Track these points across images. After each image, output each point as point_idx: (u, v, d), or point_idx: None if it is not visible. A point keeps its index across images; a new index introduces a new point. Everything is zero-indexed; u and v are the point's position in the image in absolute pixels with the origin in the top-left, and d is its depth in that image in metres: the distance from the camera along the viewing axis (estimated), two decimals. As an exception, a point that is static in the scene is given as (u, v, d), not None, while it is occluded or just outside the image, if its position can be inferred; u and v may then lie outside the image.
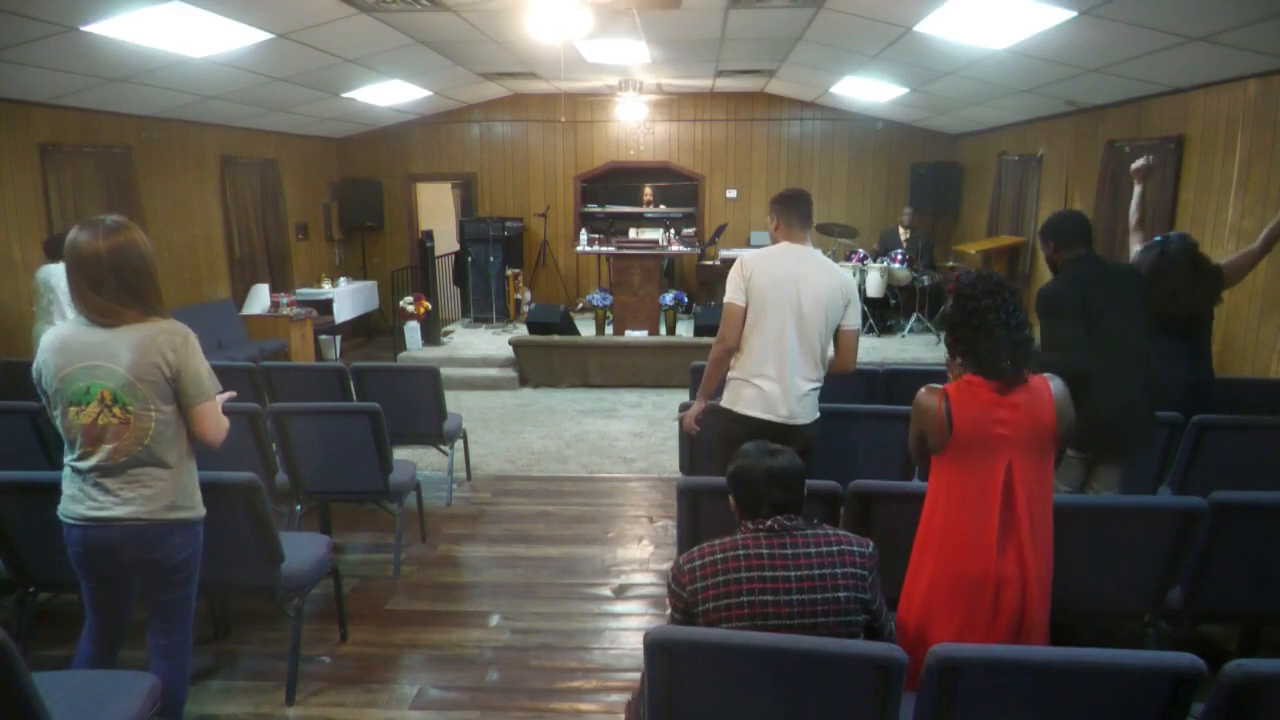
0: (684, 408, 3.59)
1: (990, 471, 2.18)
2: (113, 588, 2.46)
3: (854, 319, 3.24)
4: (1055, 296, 3.08)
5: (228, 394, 2.58)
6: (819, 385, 3.24)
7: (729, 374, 3.28)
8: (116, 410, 2.27)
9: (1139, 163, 4.12)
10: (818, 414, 3.26)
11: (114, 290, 2.25)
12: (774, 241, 3.30)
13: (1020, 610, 2.19)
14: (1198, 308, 3.60)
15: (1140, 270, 3.58)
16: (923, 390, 2.29)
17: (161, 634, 2.49)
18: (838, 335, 3.24)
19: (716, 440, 3.32)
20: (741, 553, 2.01)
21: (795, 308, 3.12)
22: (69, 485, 2.35)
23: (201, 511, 2.48)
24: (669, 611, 2.15)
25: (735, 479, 2.11)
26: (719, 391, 3.34)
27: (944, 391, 2.22)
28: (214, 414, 2.42)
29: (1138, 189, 4.14)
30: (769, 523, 2.04)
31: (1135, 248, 3.98)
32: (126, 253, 2.27)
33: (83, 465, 2.31)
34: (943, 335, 2.45)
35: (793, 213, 3.24)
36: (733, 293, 3.21)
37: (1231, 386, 4.07)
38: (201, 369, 2.37)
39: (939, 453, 2.25)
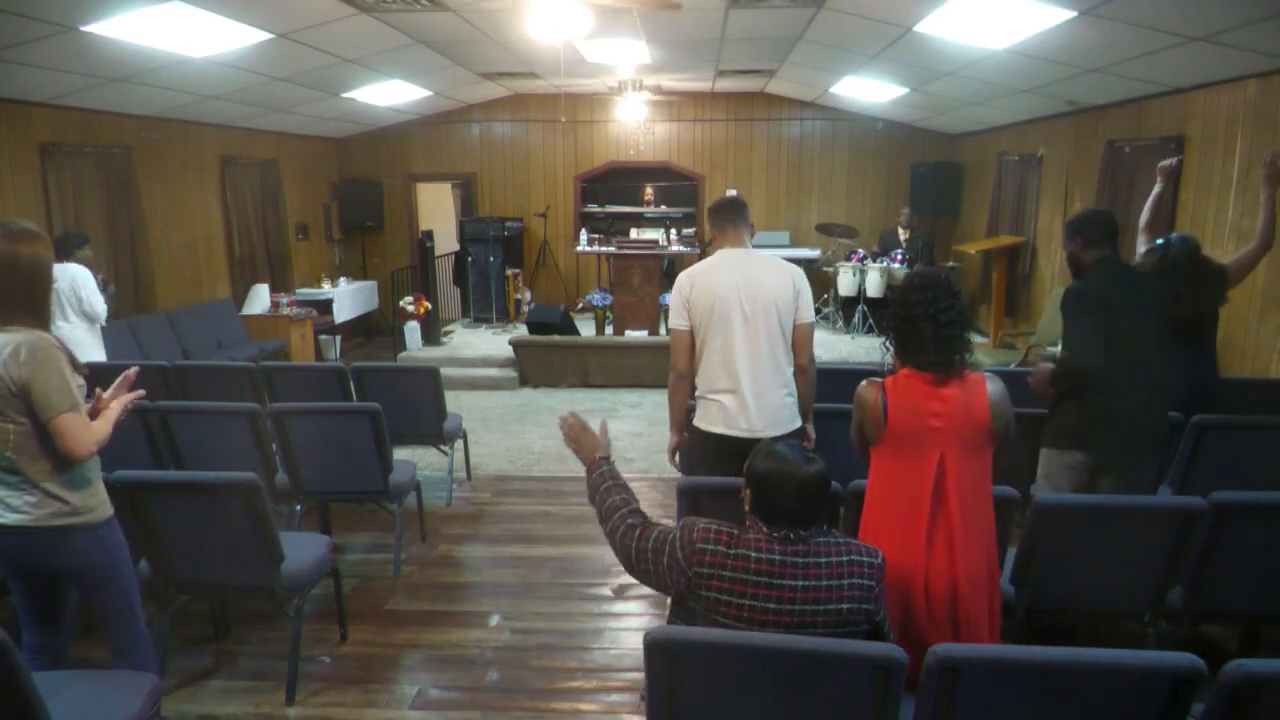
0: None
1: (923, 464, 2.23)
2: (38, 594, 2.46)
3: (806, 313, 3.11)
4: (1083, 296, 3.05)
5: (134, 395, 2.50)
6: (788, 392, 3.12)
7: (695, 393, 3.22)
8: None
9: (1167, 162, 4.10)
10: (795, 424, 3.14)
11: None
12: (713, 252, 3.24)
13: (952, 605, 2.21)
14: (1201, 309, 3.59)
15: (1145, 272, 3.59)
16: (863, 383, 2.36)
17: (110, 633, 2.49)
18: (792, 331, 3.11)
19: (693, 459, 3.27)
20: (752, 554, 1.95)
21: (742, 316, 3.04)
22: None
23: (103, 514, 2.42)
24: (653, 550, 2.06)
25: (762, 480, 1.99)
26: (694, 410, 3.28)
27: (882, 384, 2.30)
28: (69, 428, 2.26)
29: (1157, 188, 4.12)
30: (785, 532, 1.96)
31: (1141, 248, 3.98)
32: (9, 258, 2.24)
33: None
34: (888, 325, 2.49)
35: (724, 219, 3.19)
36: (675, 318, 3.15)
37: (1231, 386, 4.06)
38: (50, 383, 2.24)
39: (875, 444, 2.32)
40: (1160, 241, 3.76)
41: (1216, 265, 3.71)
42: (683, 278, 3.16)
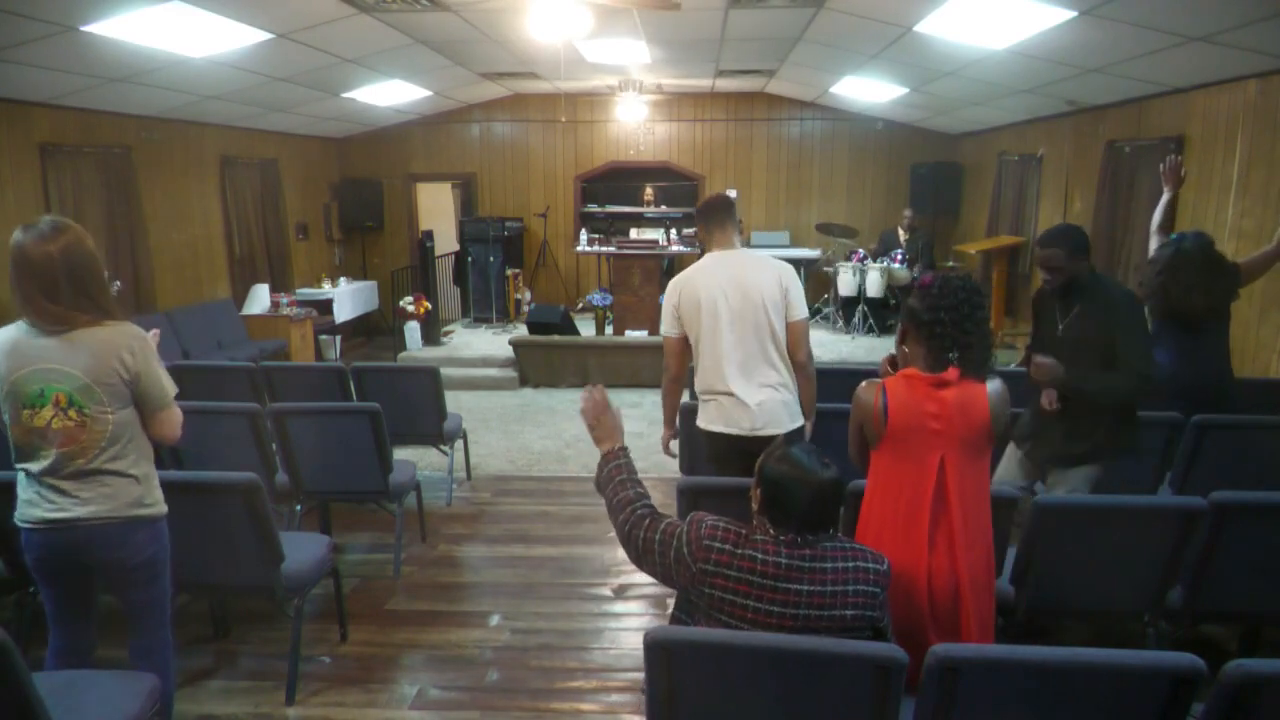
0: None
1: (923, 465, 2.22)
2: (75, 593, 2.44)
3: (797, 309, 3.11)
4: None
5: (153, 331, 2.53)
6: (786, 390, 3.12)
7: (696, 392, 3.28)
8: (72, 413, 2.24)
9: (1167, 163, 4.04)
10: (797, 422, 3.15)
11: (70, 296, 2.20)
12: (703, 255, 3.28)
13: (955, 604, 2.21)
14: (1214, 304, 3.59)
15: (1158, 266, 3.61)
16: (863, 384, 2.35)
17: (139, 634, 2.48)
18: (786, 329, 3.11)
19: (700, 457, 3.35)
20: (759, 556, 1.93)
21: (730, 316, 3.06)
22: (25, 490, 2.33)
23: (163, 509, 2.45)
24: (659, 542, 2.05)
25: (775, 484, 1.95)
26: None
27: (882, 385, 2.29)
28: (176, 415, 2.42)
29: (1167, 195, 4.07)
30: (793, 536, 1.94)
31: (1154, 249, 3.98)
32: (78, 254, 2.22)
33: (36, 468, 2.28)
34: (899, 327, 2.45)
35: (711, 221, 3.22)
36: (666, 325, 3.22)
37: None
38: (161, 372, 2.35)
39: (875, 445, 2.31)
40: (1175, 236, 3.77)
41: (1230, 263, 3.72)
42: (671, 285, 3.22)
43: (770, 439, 2.93)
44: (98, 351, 2.24)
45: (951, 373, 2.22)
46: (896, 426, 2.24)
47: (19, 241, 2.19)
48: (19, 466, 2.32)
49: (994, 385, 2.26)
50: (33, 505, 2.30)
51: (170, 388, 2.38)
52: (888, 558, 2.04)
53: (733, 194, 10.75)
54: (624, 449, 2.31)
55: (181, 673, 3.19)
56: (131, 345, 2.29)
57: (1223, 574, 2.74)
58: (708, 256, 3.21)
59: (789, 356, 3.14)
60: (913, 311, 2.29)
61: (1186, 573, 2.76)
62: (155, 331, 2.52)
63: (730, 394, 3.09)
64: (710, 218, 3.22)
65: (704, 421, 3.20)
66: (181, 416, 2.45)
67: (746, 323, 3.06)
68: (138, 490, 2.36)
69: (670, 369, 3.26)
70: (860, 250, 9.21)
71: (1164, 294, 3.57)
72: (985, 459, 2.28)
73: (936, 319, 2.22)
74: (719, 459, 3.19)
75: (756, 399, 3.07)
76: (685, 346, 3.19)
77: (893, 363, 2.49)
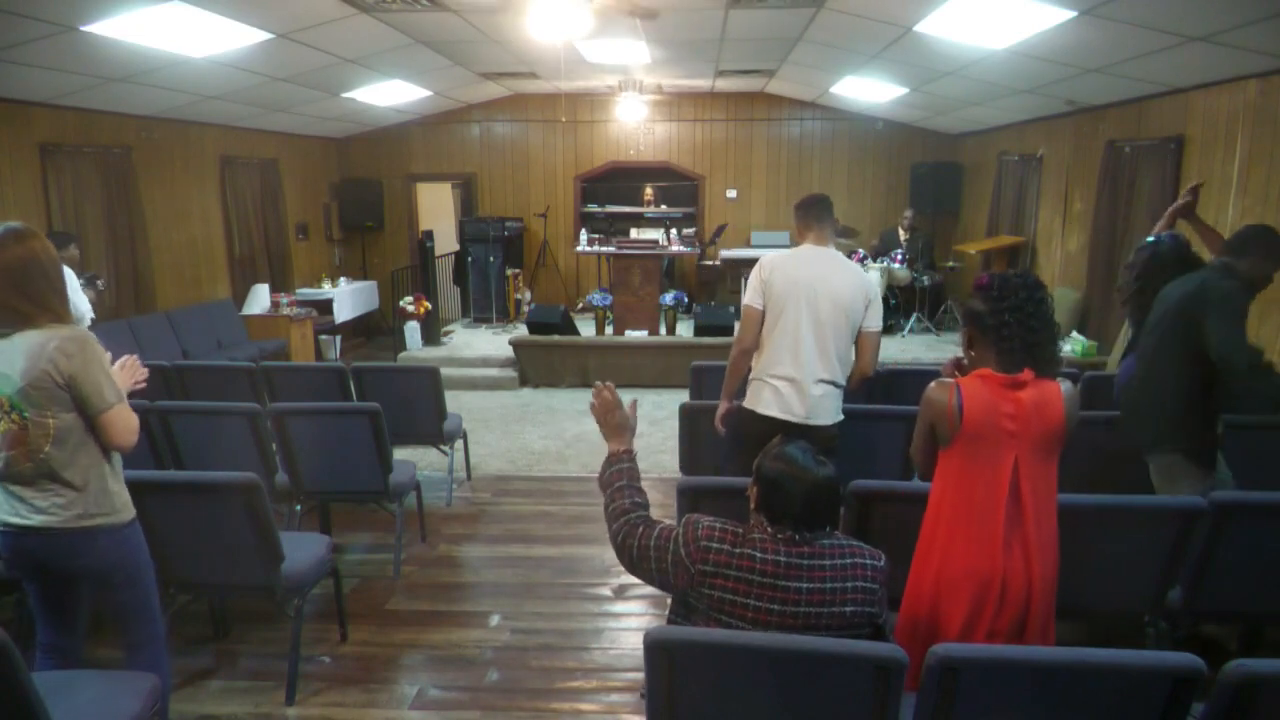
0: (685, 408, 3.60)
1: (998, 467, 2.18)
2: (54, 594, 2.44)
3: (875, 321, 3.27)
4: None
5: (138, 378, 2.52)
6: (839, 386, 3.26)
7: (750, 374, 3.32)
8: (15, 417, 2.23)
9: (1182, 200, 3.81)
10: (840, 416, 3.29)
11: (6, 295, 2.19)
12: (797, 245, 3.37)
13: (1025, 607, 2.19)
14: None
15: (1135, 270, 3.60)
16: (933, 384, 2.30)
17: (127, 633, 2.48)
18: (858, 337, 3.26)
19: (736, 436, 3.35)
20: (757, 555, 1.93)
21: (813, 309, 3.17)
22: None
23: (126, 515, 2.41)
24: (657, 550, 2.04)
25: (771, 481, 1.97)
26: (742, 391, 3.37)
27: (955, 384, 2.24)
28: (120, 420, 2.31)
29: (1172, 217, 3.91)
30: (790, 533, 1.95)
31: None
32: (22, 260, 2.21)
33: None
34: (962, 327, 2.41)
35: (811, 216, 3.32)
36: (751, 296, 3.28)
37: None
38: (99, 376, 2.27)
39: (948, 445, 2.25)
40: (1151, 239, 3.76)
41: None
42: (764, 260, 3.29)
43: (816, 428, 3.12)
44: (31, 353, 2.20)
45: (1026, 373, 2.19)
46: (971, 426, 2.19)
47: None
48: None
49: (1066, 386, 2.22)
50: (2, 509, 2.31)
51: (110, 393, 2.28)
52: (960, 560, 2.03)
53: (733, 194, 10.77)
54: (629, 452, 2.29)
55: (181, 673, 3.20)
56: (66, 348, 2.22)
57: (1223, 574, 2.74)
58: (803, 247, 3.32)
59: (858, 363, 3.29)
60: (977, 315, 2.25)
61: (1186, 573, 2.76)
62: (132, 358, 2.53)
63: (793, 380, 3.18)
64: (811, 212, 3.33)
65: (759, 405, 3.25)
66: (134, 421, 2.35)
67: (826, 318, 3.18)
68: (90, 500, 2.31)
69: (744, 341, 3.30)
70: (860, 250, 9.21)
71: (1140, 297, 3.56)
72: (1055, 460, 2.24)
73: (1002, 321, 2.19)
74: (761, 440, 3.17)
75: (817, 391, 3.18)
76: (762, 322, 3.25)
77: (959, 366, 2.46)
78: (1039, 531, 2.19)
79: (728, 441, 3.45)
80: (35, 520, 2.28)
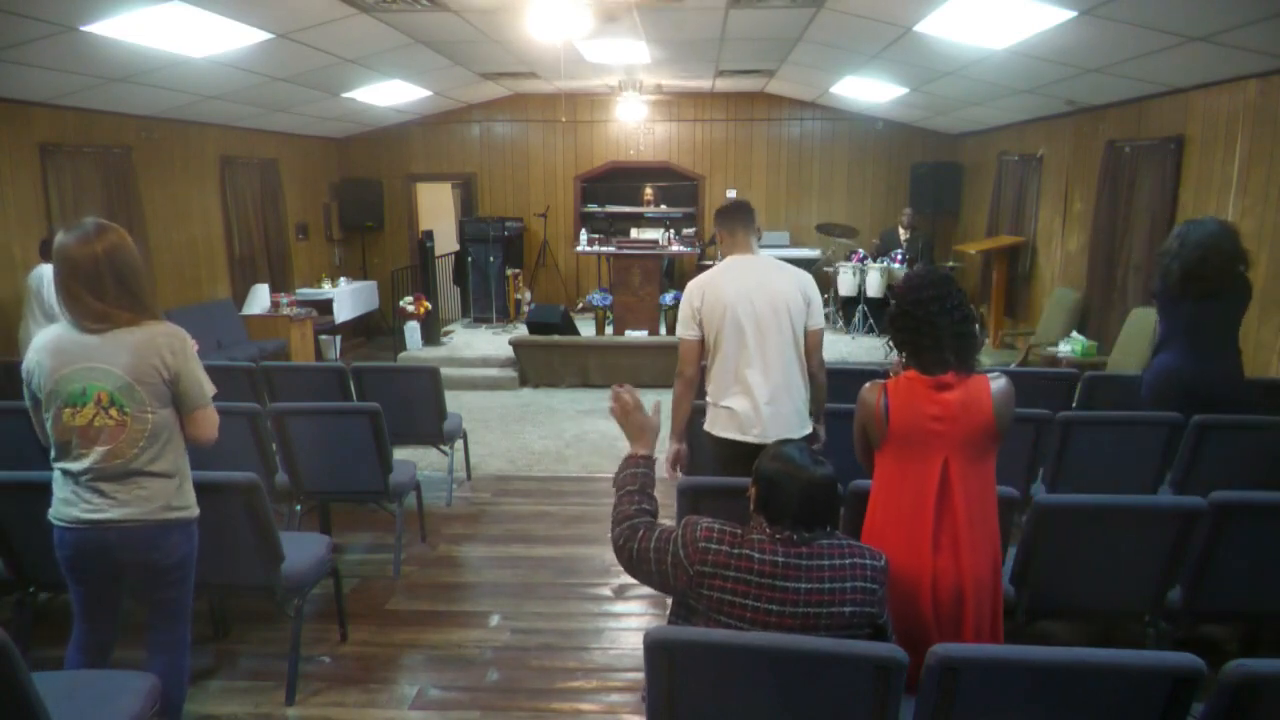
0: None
1: (926, 468, 2.20)
2: (104, 591, 2.44)
3: (817, 319, 3.14)
4: None
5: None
6: (799, 395, 3.12)
7: (706, 398, 3.23)
8: (113, 412, 2.26)
9: None
10: (807, 429, 3.14)
11: (114, 294, 2.23)
12: (722, 257, 3.23)
13: (958, 606, 2.20)
14: (1227, 266, 3.55)
15: (1169, 245, 3.62)
16: (866, 385, 2.32)
17: (160, 631, 2.48)
18: (804, 336, 3.12)
19: (708, 463, 3.28)
20: (755, 555, 1.93)
21: (753, 322, 3.04)
22: (61, 488, 2.33)
23: (196, 511, 2.47)
24: (655, 552, 2.03)
25: (769, 481, 1.97)
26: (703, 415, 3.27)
27: (884, 386, 2.27)
28: (213, 416, 2.43)
29: None
30: (789, 533, 1.95)
31: None
32: (121, 254, 2.26)
33: (76, 467, 2.29)
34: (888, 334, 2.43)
35: (734, 224, 3.18)
36: (683, 327, 3.15)
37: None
38: (199, 372, 2.37)
39: (879, 446, 2.29)
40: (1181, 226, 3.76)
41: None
42: (692, 286, 3.16)
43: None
44: (139, 350, 2.25)
45: (949, 375, 2.19)
46: (898, 428, 2.22)
47: (62, 243, 2.23)
48: (56, 466, 2.33)
49: (999, 384, 2.21)
50: (69, 504, 2.31)
51: (209, 388, 2.40)
52: (892, 560, 2.04)
53: (733, 194, 10.76)
54: (648, 458, 2.26)
55: (181, 673, 3.20)
56: (172, 344, 2.30)
57: (1223, 574, 2.74)
58: (730, 259, 3.17)
59: (809, 365, 3.15)
60: (892, 319, 2.29)
61: (1186, 573, 2.76)
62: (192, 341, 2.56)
63: (746, 400, 3.07)
64: (736, 218, 3.18)
65: (715, 427, 3.17)
66: (218, 418, 2.46)
67: (770, 331, 3.04)
68: (173, 492, 2.37)
69: (685, 373, 3.17)
70: (860, 250, 9.22)
71: (1177, 263, 3.50)
72: (990, 459, 2.26)
73: (914, 324, 2.21)
74: (727, 464, 3.14)
75: (772, 407, 3.06)
76: (702, 350, 3.14)
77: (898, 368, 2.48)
78: (972, 531, 2.20)
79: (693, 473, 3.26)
80: (114, 514, 2.29)
